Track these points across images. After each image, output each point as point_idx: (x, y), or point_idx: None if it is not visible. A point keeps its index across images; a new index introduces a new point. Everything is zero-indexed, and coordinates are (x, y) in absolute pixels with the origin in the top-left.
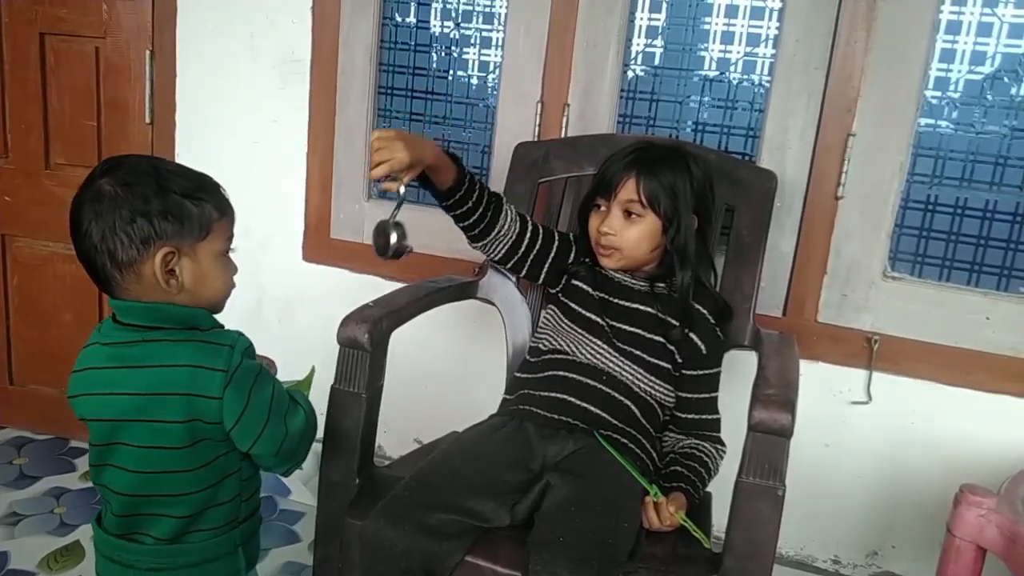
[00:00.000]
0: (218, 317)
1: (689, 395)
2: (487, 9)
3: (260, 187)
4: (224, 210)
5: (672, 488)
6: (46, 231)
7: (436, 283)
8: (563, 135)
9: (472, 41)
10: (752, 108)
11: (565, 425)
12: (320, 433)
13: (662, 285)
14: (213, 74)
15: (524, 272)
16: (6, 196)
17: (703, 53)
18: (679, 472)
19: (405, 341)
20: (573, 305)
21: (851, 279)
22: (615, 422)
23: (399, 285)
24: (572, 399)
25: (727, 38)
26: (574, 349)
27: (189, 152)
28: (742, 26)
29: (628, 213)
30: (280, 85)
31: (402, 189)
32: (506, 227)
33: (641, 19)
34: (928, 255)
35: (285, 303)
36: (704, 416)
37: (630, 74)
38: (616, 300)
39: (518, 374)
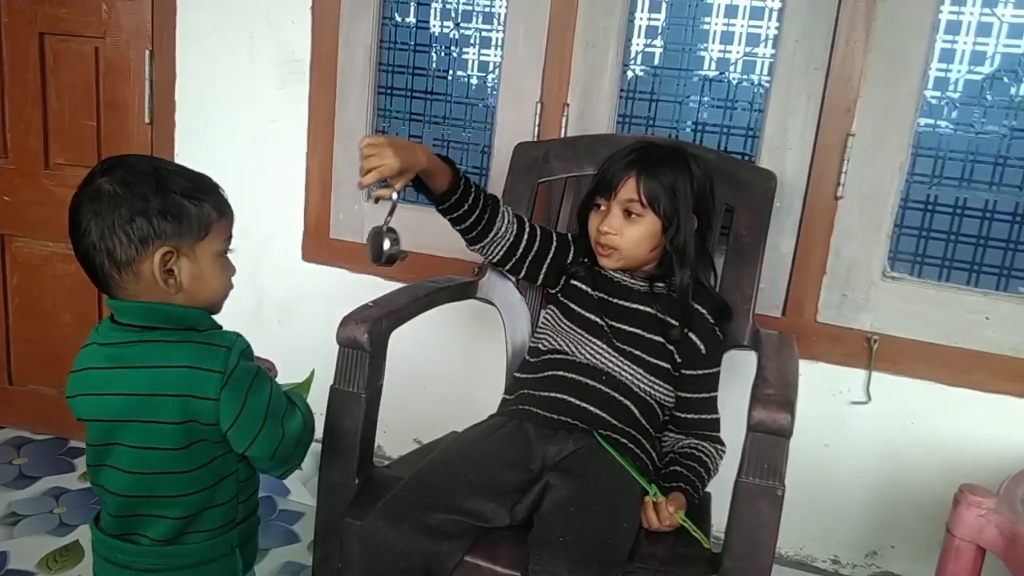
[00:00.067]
0: (217, 317)
1: (688, 395)
2: (487, 9)
3: (260, 187)
4: (223, 210)
5: (671, 488)
6: (46, 231)
7: (436, 283)
8: (563, 135)
9: (472, 41)
10: (752, 108)
11: (565, 425)
12: (319, 433)
13: (661, 285)
14: (213, 74)
15: (523, 273)
16: (5, 196)
17: (703, 53)
18: (678, 472)
19: (405, 341)
20: (572, 305)
21: (851, 279)
22: (615, 422)
23: (399, 285)
24: (572, 399)
25: (727, 38)
26: (574, 349)
27: (188, 152)
28: (742, 26)
29: (628, 213)
30: (280, 85)
31: (394, 196)
32: (503, 229)
33: (641, 19)
34: (928, 255)
35: (285, 303)
36: (703, 416)
37: (630, 74)
38: (615, 300)
39: (518, 374)
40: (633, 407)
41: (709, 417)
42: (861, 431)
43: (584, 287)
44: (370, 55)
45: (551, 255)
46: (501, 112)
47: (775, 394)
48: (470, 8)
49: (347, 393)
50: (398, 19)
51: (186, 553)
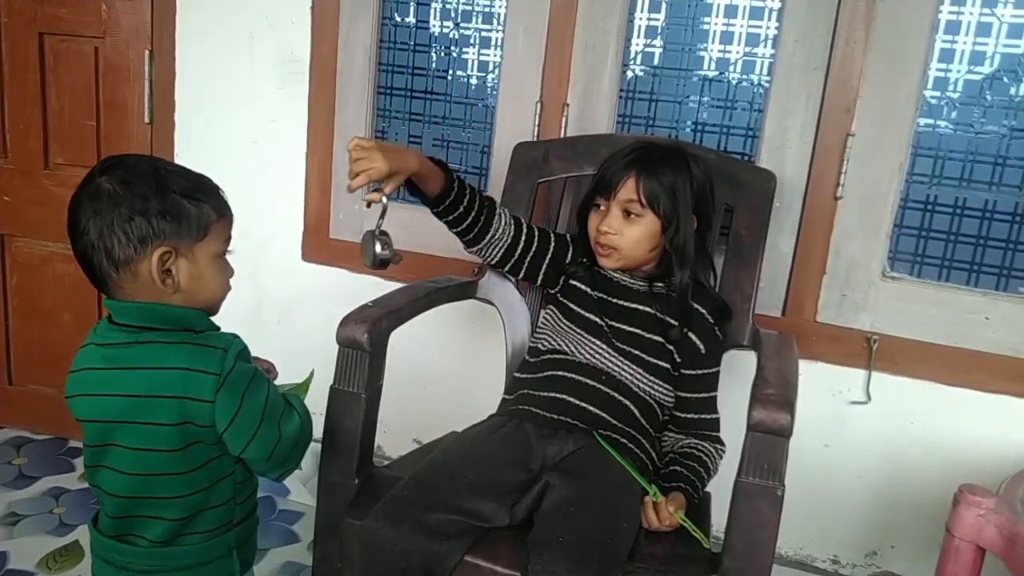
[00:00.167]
0: (217, 317)
1: (688, 395)
2: (486, 9)
3: (259, 187)
4: (223, 211)
5: (671, 488)
6: (45, 231)
7: (435, 283)
8: (562, 135)
9: (471, 41)
10: (751, 108)
11: (564, 425)
12: (319, 433)
13: (661, 285)
14: (212, 74)
15: (522, 274)
16: (5, 196)
17: (702, 53)
18: (678, 472)
19: (404, 341)
20: (572, 305)
21: (850, 279)
22: (614, 422)
23: (399, 285)
24: (571, 399)
25: (726, 38)
26: (573, 349)
27: (188, 152)
28: (741, 26)
29: (627, 213)
30: (279, 85)
31: (384, 199)
32: (500, 231)
33: (640, 19)
34: (927, 255)
35: (284, 303)
36: (703, 416)
37: (629, 74)
38: (615, 300)
39: (517, 374)
40: (633, 407)
41: (709, 417)
42: (861, 431)
43: (583, 287)
44: (370, 55)
45: (549, 255)
46: (501, 112)
47: (775, 394)
48: (470, 8)
49: (347, 393)
50: (398, 19)
51: (183, 554)
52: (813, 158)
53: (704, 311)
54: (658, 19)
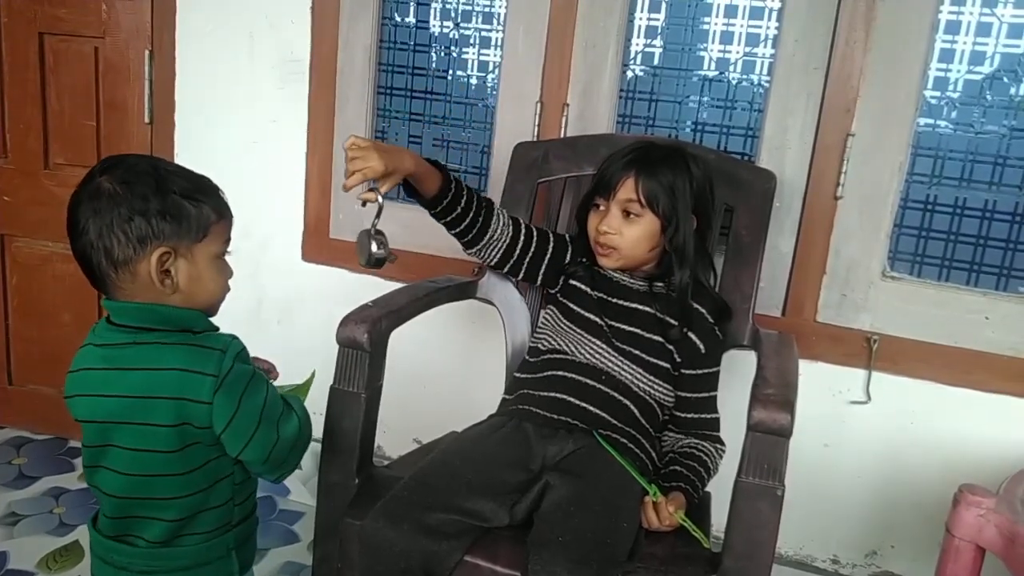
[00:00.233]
0: (217, 317)
1: (688, 394)
2: (486, 9)
3: (259, 187)
4: (222, 212)
5: (671, 488)
6: (45, 231)
7: (435, 283)
8: (562, 135)
9: (471, 41)
10: (751, 108)
11: (564, 425)
12: (319, 433)
13: (661, 285)
14: (212, 74)
15: (521, 274)
16: (5, 196)
17: (702, 53)
18: (678, 472)
19: (404, 341)
20: (572, 305)
21: (850, 279)
22: (614, 422)
23: (398, 285)
24: (571, 399)
25: (726, 38)
26: (573, 349)
27: (188, 152)
28: (741, 26)
29: (627, 213)
30: (279, 85)
31: (380, 199)
32: (498, 232)
33: (640, 19)
34: (927, 255)
35: (284, 303)
36: (703, 415)
37: (629, 74)
38: (615, 300)
39: (517, 374)
40: (633, 407)
41: (709, 416)
42: (861, 431)
43: (583, 287)
44: (370, 55)
45: (548, 256)
46: (501, 112)
47: (775, 394)
48: (470, 8)
49: (347, 393)
50: (398, 19)
51: (182, 555)
52: (813, 158)
53: (704, 311)
54: (658, 19)
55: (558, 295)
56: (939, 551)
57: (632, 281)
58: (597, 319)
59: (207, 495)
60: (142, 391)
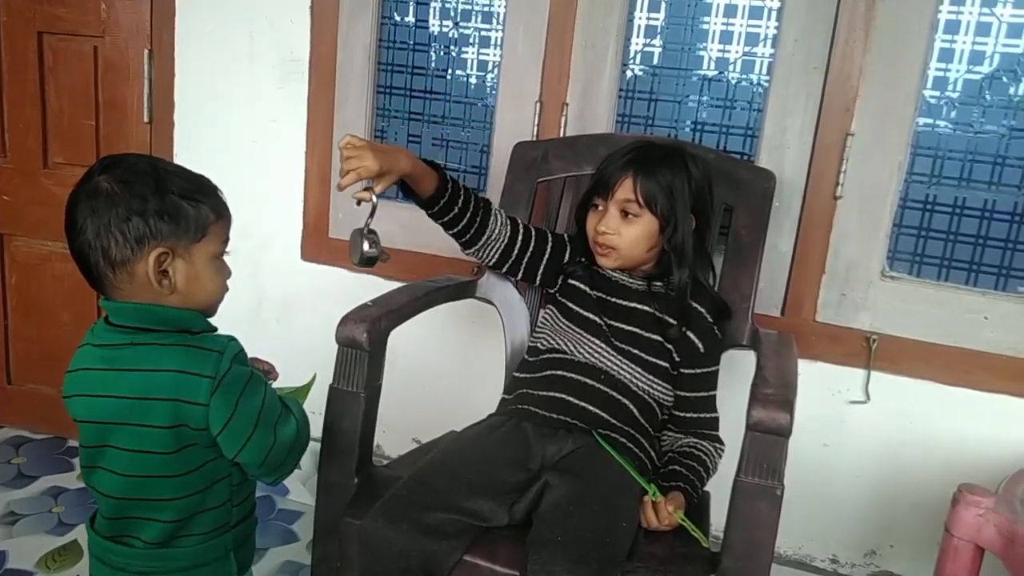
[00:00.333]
0: (217, 317)
1: (687, 394)
2: (486, 8)
3: (259, 187)
4: (221, 213)
5: (671, 487)
6: (44, 231)
7: (435, 283)
8: (562, 135)
9: (471, 40)
10: (751, 108)
11: (564, 424)
12: (318, 432)
13: (660, 284)
14: (212, 74)
15: (520, 275)
16: (4, 195)
17: (702, 53)
18: (677, 471)
19: (404, 341)
20: (571, 305)
21: (850, 279)
22: (614, 421)
23: (398, 285)
24: (570, 398)
25: (726, 38)
26: (572, 348)
27: (187, 152)
28: (741, 26)
29: (625, 213)
30: (279, 85)
31: (374, 198)
32: (496, 232)
33: (640, 19)
34: (927, 255)
35: (284, 302)
36: (702, 415)
37: (629, 74)
38: (614, 299)
39: (517, 374)
40: (632, 406)
41: (708, 416)
42: (860, 431)
43: (582, 286)
44: (369, 54)
45: (547, 256)
46: (500, 111)
47: (774, 394)
48: (469, 7)
49: (346, 392)
50: (397, 18)
51: (180, 556)
52: (812, 158)
53: (703, 310)
54: (658, 19)
55: (557, 295)
56: (938, 551)
57: (631, 280)
58: (596, 318)
59: (205, 496)
60: (140, 392)
